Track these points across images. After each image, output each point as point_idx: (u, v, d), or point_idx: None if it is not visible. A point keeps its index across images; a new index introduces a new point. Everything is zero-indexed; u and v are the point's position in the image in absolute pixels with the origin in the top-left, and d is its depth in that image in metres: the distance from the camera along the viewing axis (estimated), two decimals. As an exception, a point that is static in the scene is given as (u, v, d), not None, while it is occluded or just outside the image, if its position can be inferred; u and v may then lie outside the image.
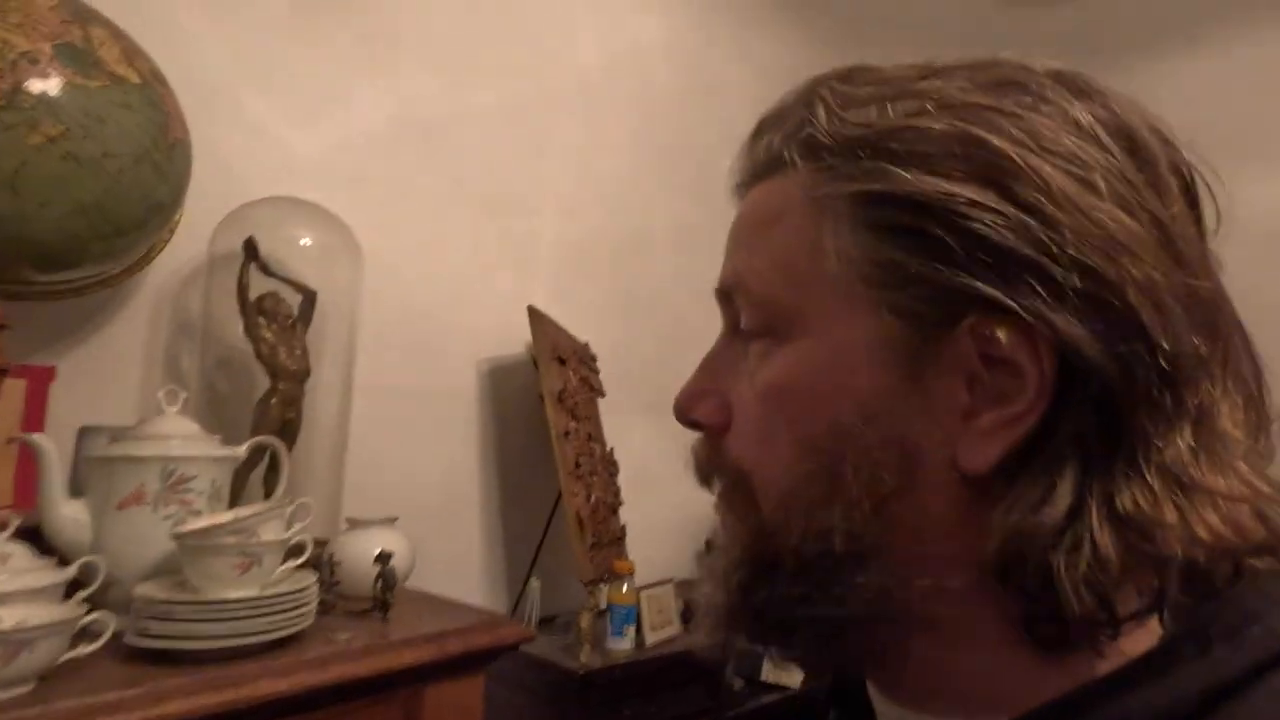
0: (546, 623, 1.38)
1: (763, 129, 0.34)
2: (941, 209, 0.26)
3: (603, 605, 1.30)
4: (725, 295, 0.35)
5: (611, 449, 1.58)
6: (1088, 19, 2.40)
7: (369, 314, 1.24)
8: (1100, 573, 0.25)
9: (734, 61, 2.23)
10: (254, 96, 1.22)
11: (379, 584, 0.80)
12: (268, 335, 0.98)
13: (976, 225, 0.26)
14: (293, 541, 0.73)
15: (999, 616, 0.28)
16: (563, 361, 1.41)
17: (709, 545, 1.92)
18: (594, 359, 1.62)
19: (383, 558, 0.81)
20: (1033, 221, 0.26)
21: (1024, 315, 0.26)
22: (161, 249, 0.99)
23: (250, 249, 0.99)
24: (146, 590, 0.65)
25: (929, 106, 0.28)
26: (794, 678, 1.61)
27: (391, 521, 0.96)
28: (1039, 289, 0.25)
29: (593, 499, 1.32)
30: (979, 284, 0.26)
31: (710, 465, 0.35)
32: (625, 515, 1.59)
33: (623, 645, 1.25)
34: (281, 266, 1.01)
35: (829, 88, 0.31)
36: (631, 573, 1.30)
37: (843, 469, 0.28)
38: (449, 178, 1.48)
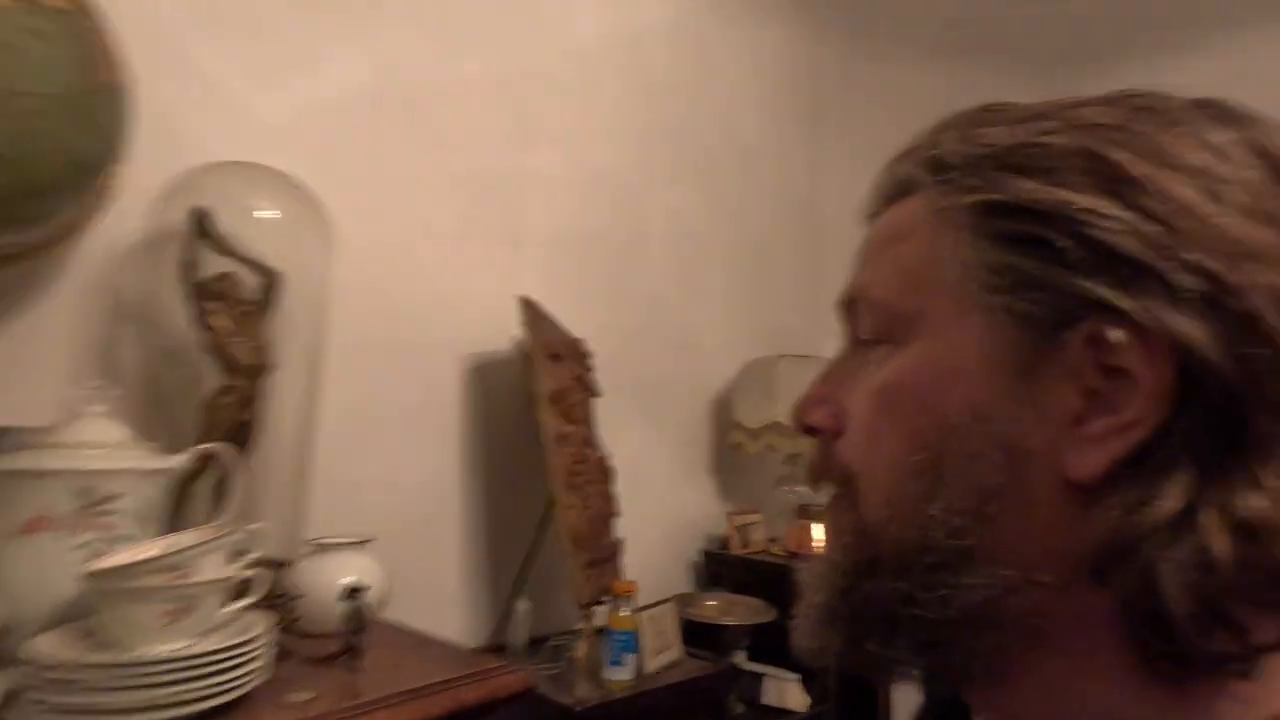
0: (535, 644, 1.25)
1: (895, 160, 0.36)
2: (1059, 215, 0.27)
3: (599, 629, 1.18)
4: (848, 306, 0.35)
5: (605, 454, 1.45)
6: (1093, 16, 2.33)
7: (340, 302, 1.10)
8: (1210, 579, 0.24)
9: (737, 51, 2.12)
10: (210, 48, 1.07)
11: (348, 624, 0.66)
12: (220, 323, 0.84)
13: (1093, 230, 0.27)
14: (241, 577, 0.59)
15: (1114, 640, 0.27)
16: (557, 358, 1.28)
17: (707, 555, 1.81)
18: (589, 356, 1.49)
19: (352, 592, 0.67)
20: (1150, 226, 0.26)
21: (1139, 318, 0.26)
22: (92, 217, 0.84)
23: (200, 221, 0.84)
24: (45, 646, 0.50)
25: (1054, 125, 0.29)
26: (798, 700, 1.51)
27: (363, 544, 0.82)
28: (1155, 290, 0.26)
29: (589, 511, 1.20)
30: (1095, 286, 0.27)
31: (820, 470, 0.35)
32: (619, 526, 1.46)
33: (622, 675, 1.12)
34: (238, 243, 0.86)
35: (964, 117, 0.33)
36: (632, 594, 1.17)
37: (948, 466, 0.29)
38: (431, 154, 1.34)
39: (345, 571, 0.75)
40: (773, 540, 1.80)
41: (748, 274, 2.12)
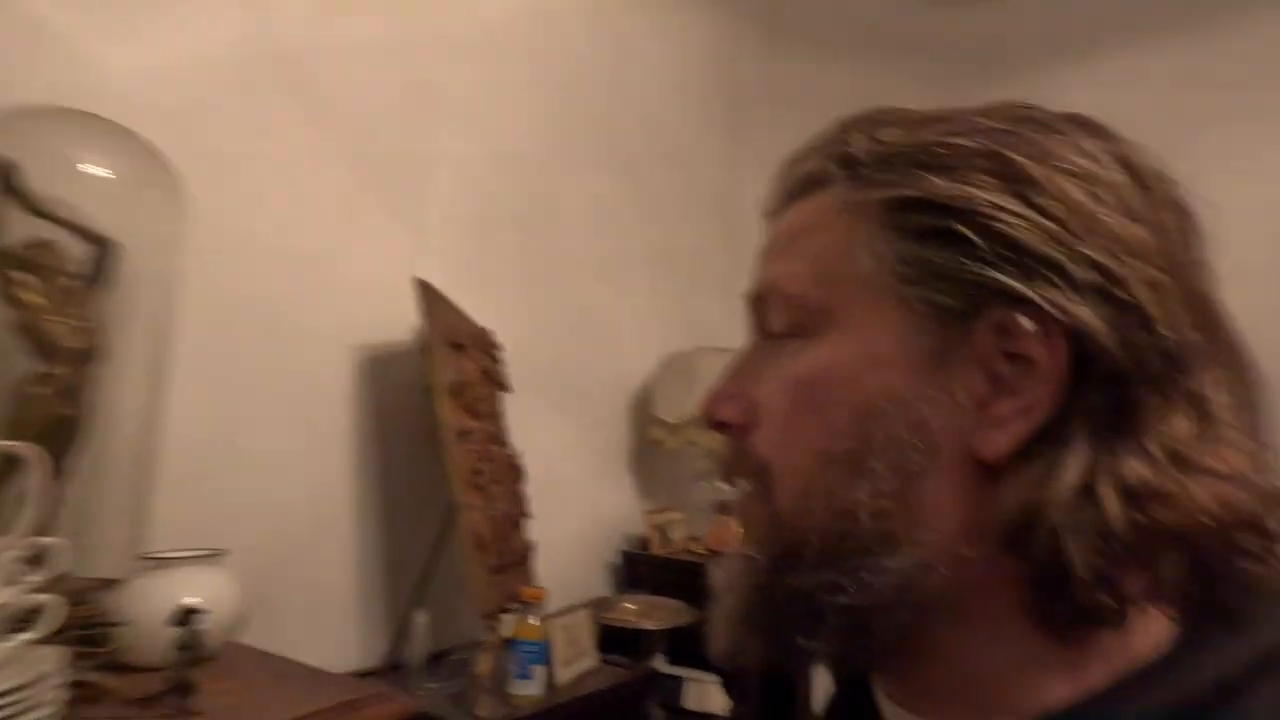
0: (436, 660, 1.14)
1: (796, 158, 0.36)
2: (967, 210, 0.29)
3: (505, 639, 1.08)
4: (758, 301, 0.36)
5: (515, 452, 1.36)
6: (1003, 26, 2.42)
7: (204, 284, 0.96)
8: (1106, 541, 0.27)
9: (657, 41, 2.06)
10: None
11: (178, 656, 0.54)
12: (32, 298, 0.70)
13: (999, 225, 0.29)
14: (23, 604, 0.47)
15: (1014, 604, 0.29)
16: (460, 348, 1.18)
17: (625, 556, 1.74)
18: (497, 348, 1.39)
19: (186, 615, 0.56)
20: (1049, 223, 0.29)
21: (1043, 305, 0.28)
22: None
23: (5, 174, 0.70)
24: None
25: (957, 128, 0.31)
26: (719, 702, 1.46)
27: (213, 557, 0.70)
28: (1056, 281, 0.28)
29: (494, 513, 1.10)
30: (1001, 277, 0.29)
31: (733, 464, 0.35)
32: (531, 528, 1.37)
33: (530, 690, 1.03)
34: (57, 204, 0.72)
35: (863, 118, 0.34)
36: (541, 601, 1.09)
37: (868, 451, 0.30)
38: (316, 123, 1.21)
39: (186, 591, 0.63)
40: (693, 539, 1.75)
41: (666, 266, 2.07)
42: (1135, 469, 0.27)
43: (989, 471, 0.29)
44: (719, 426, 0.35)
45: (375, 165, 1.30)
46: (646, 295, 1.98)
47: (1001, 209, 0.29)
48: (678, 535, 1.74)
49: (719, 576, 0.35)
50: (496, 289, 1.50)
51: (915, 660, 0.32)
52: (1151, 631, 0.29)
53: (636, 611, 1.48)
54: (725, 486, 0.38)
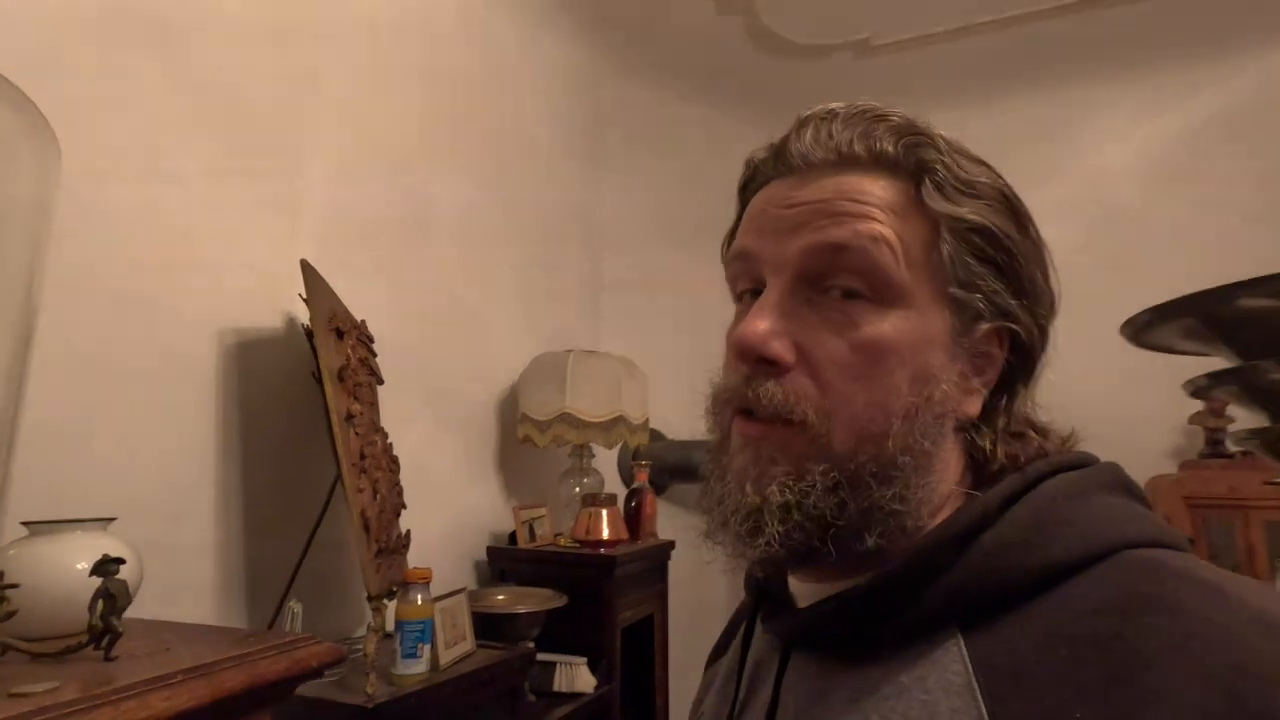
0: (305, 657, 1.11)
1: (846, 124, 0.42)
2: (1013, 252, 0.41)
3: (389, 625, 1.08)
4: (834, 249, 0.39)
5: (390, 443, 1.35)
6: (820, 79, 2.78)
7: (58, 253, 0.89)
8: (1012, 441, 0.43)
9: (527, 54, 2.15)
10: None
11: (98, 606, 0.53)
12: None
13: (1025, 268, 0.41)
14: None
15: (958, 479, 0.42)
16: (341, 335, 1.17)
17: (491, 551, 1.76)
18: (371, 339, 1.38)
19: (104, 566, 0.55)
20: (1040, 272, 0.42)
21: (1020, 324, 0.42)
22: None
23: None
24: None
25: (998, 181, 0.43)
26: (586, 682, 1.53)
27: (104, 523, 0.67)
28: (1031, 310, 0.42)
29: (379, 497, 1.10)
30: (1013, 304, 0.41)
31: (780, 402, 0.39)
32: (403, 521, 1.36)
33: (416, 668, 1.04)
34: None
35: (921, 131, 0.42)
36: (428, 581, 1.10)
37: (919, 407, 0.39)
38: (185, 94, 1.15)
39: (79, 557, 0.61)
40: (558, 535, 1.82)
41: (533, 272, 2.14)
42: (1018, 416, 0.43)
43: (967, 423, 0.42)
44: (761, 362, 0.40)
45: (248, 146, 1.25)
46: (513, 299, 2.03)
47: (1028, 260, 0.41)
48: (543, 530, 1.80)
49: (773, 493, 0.39)
50: (368, 282, 1.49)
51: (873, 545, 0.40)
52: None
53: (507, 601, 1.51)
54: (740, 418, 0.42)
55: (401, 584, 1.08)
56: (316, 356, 1.09)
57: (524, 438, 1.77)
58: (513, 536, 1.77)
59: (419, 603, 1.07)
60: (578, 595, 1.56)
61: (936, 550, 0.37)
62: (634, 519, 1.83)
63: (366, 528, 1.03)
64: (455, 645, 1.19)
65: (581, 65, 2.45)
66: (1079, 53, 2.39)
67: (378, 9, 1.56)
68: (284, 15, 1.33)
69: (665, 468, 2.37)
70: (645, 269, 2.66)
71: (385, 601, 1.09)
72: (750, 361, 0.40)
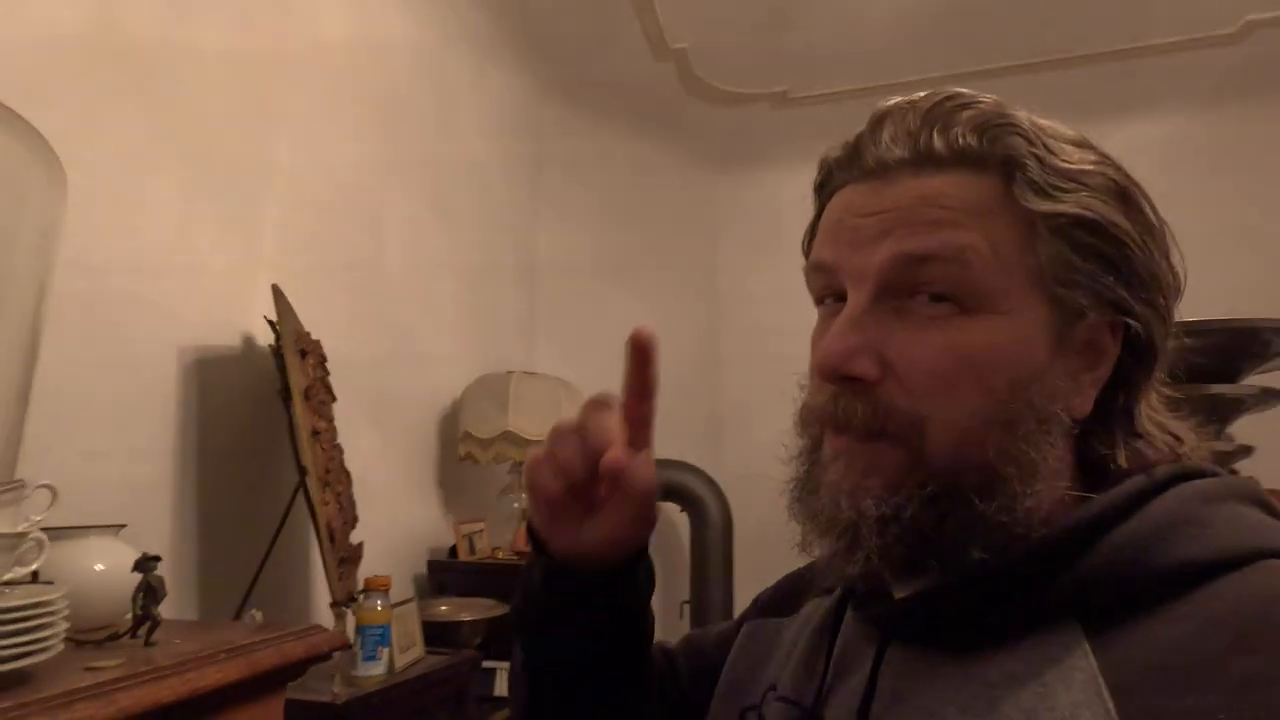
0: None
1: (926, 120, 0.39)
2: (1119, 240, 0.37)
3: (350, 629, 1.15)
4: (918, 261, 0.37)
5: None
6: (743, 123, 3.02)
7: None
8: (1135, 441, 0.40)
9: (474, 88, 2.26)
10: None
11: (139, 597, 0.61)
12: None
13: (1136, 256, 0.38)
14: (29, 538, 0.52)
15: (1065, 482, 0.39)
16: (304, 355, 1.23)
17: (432, 565, 1.82)
18: (325, 359, 1.44)
19: (144, 564, 0.62)
20: (1157, 258, 0.38)
21: (1136, 317, 0.38)
22: None
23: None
24: None
25: (1099, 162, 0.39)
26: (526, 689, 1.61)
27: (115, 529, 0.73)
28: (1147, 301, 0.38)
29: (342, 510, 1.17)
30: (1126, 296, 0.38)
31: (872, 415, 0.37)
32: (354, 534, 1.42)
33: (376, 670, 1.11)
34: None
35: (1006, 118, 0.38)
36: (388, 588, 1.18)
37: (1022, 413, 0.37)
38: (156, 119, 1.20)
39: (96, 559, 0.68)
40: (496, 548, 1.90)
41: (474, 296, 2.23)
42: (1142, 415, 0.40)
43: (1075, 425, 0.38)
44: (847, 380, 0.38)
45: (212, 170, 1.30)
46: (454, 322, 2.11)
47: (1140, 246, 0.37)
48: (482, 544, 1.87)
49: (868, 507, 0.37)
50: (321, 302, 1.54)
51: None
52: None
53: (450, 611, 1.58)
54: (836, 435, 0.39)
55: (364, 590, 1.15)
56: (284, 376, 1.15)
57: (465, 455, 1.85)
58: (453, 550, 1.84)
59: (379, 608, 1.14)
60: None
61: (1062, 542, 0.35)
62: (570, 532, 1.94)
63: (332, 538, 1.10)
64: (408, 650, 1.26)
65: (525, 99, 2.58)
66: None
67: (337, 44, 1.64)
68: (251, 48, 1.39)
69: (596, 484, 2.48)
70: (580, 298, 2.79)
71: (344, 608, 1.15)
72: (835, 381, 0.38)
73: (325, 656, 0.67)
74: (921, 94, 0.40)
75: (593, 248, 2.87)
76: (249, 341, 1.34)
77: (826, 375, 0.38)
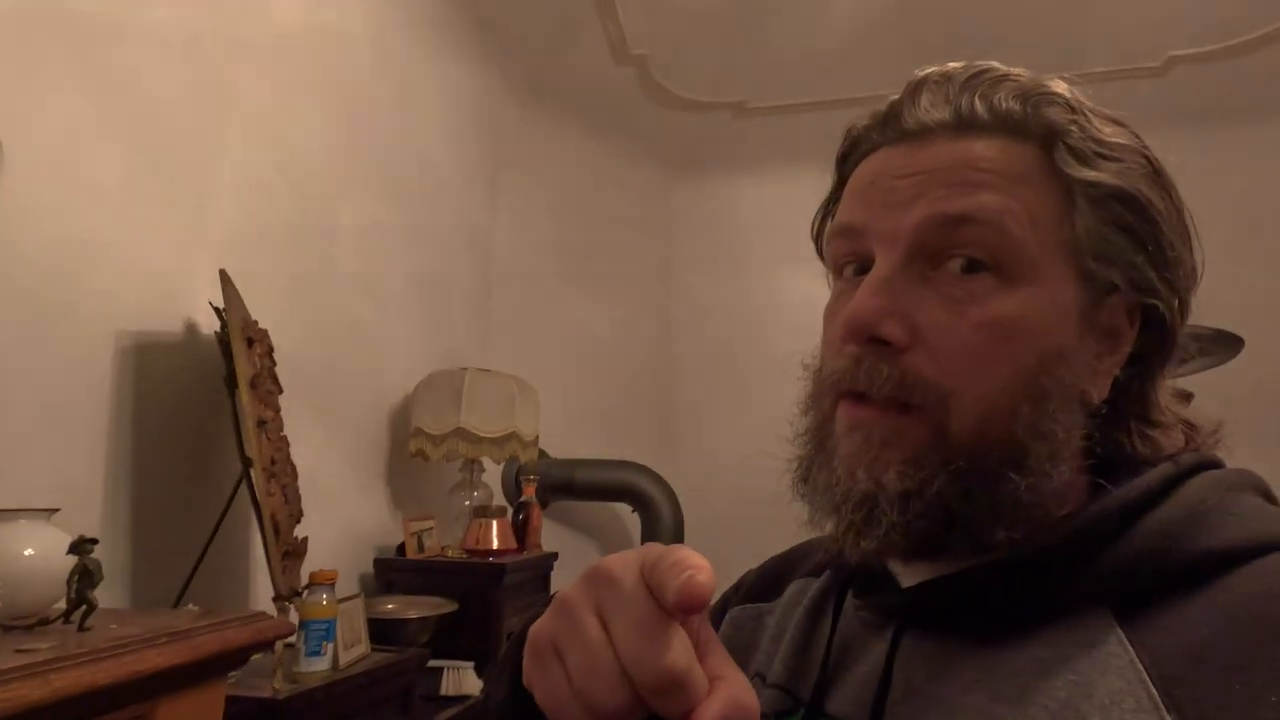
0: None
1: (966, 85, 0.38)
2: (1154, 219, 0.37)
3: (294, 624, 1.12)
4: (955, 222, 0.36)
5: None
6: (704, 131, 3.07)
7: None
8: (1151, 430, 0.39)
9: (433, 82, 2.24)
10: None
11: (75, 582, 0.58)
12: None
13: (1166, 236, 0.37)
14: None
15: (1077, 477, 0.38)
16: (251, 343, 1.20)
17: (379, 562, 1.78)
18: (273, 350, 1.41)
19: (80, 546, 0.60)
20: (1183, 243, 0.38)
21: (1160, 295, 0.37)
22: None
23: None
24: None
25: (1135, 141, 0.38)
26: (473, 685, 1.60)
27: (48, 513, 0.71)
28: (1172, 283, 0.37)
29: (287, 503, 1.14)
30: (1153, 276, 0.37)
31: (896, 384, 0.36)
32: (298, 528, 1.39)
33: (320, 665, 1.09)
34: None
35: (1046, 90, 0.38)
36: (333, 582, 1.15)
37: (1050, 388, 0.36)
38: (98, 95, 1.16)
39: (25, 545, 0.65)
40: (445, 546, 1.88)
41: (428, 291, 2.20)
42: (1158, 403, 0.38)
43: (1092, 407, 0.37)
44: (873, 342, 0.36)
45: (156, 153, 1.26)
46: (409, 316, 2.08)
47: (1171, 228, 0.37)
48: (431, 542, 1.85)
49: (890, 480, 0.35)
50: (269, 291, 1.51)
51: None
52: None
53: (397, 608, 1.56)
54: (850, 402, 0.37)
55: (309, 584, 1.13)
56: (231, 363, 1.12)
57: (416, 451, 1.82)
58: (400, 548, 1.81)
59: (324, 602, 1.12)
60: (466, 603, 1.63)
61: (1095, 527, 0.34)
62: (521, 530, 1.93)
63: (276, 531, 1.07)
64: (353, 647, 1.24)
65: (484, 96, 2.56)
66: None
67: (293, 27, 1.60)
68: (201, 27, 1.35)
69: (548, 484, 2.48)
70: (536, 297, 2.79)
71: (287, 603, 1.13)
72: (861, 341, 0.36)
73: (269, 644, 0.66)
74: (959, 64, 0.39)
75: (550, 248, 2.87)
76: (192, 328, 1.30)
77: (854, 333, 0.36)
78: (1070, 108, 0.37)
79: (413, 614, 1.49)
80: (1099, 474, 0.37)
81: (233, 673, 1.05)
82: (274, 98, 1.55)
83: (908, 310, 0.36)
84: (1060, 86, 0.38)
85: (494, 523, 1.78)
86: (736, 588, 0.54)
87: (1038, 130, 0.37)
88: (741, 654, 0.47)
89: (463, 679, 1.59)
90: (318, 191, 1.70)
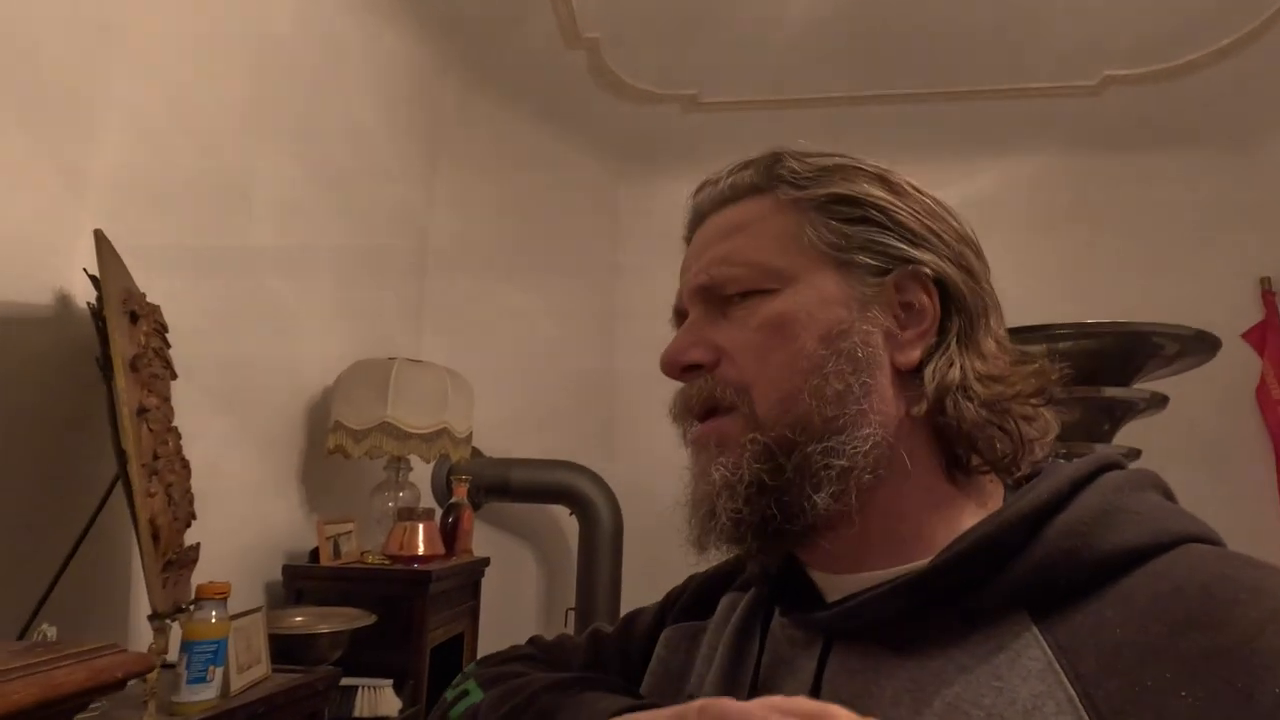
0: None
1: (722, 176, 0.49)
2: (877, 205, 0.44)
3: (169, 649, 0.96)
4: (703, 290, 0.46)
5: (181, 445, 1.21)
6: (652, 123, 2.98)
7: None
8: (982, 407, 0.41)
9: (363, 44, 2.07)
10: None
11: None
12: None
13: (896, 214, 0.44)
14: None
15: (927, 459, 0.42)
16: (135, 319, 1.03)
17: (288, 570, 1.61)
18: (165, 328, 1.23)
19: None
20: (923, 215, 0.45)
21: (924, 265, 0.43)
22: None
23: None
24: None
25: (854, 161, 0.47)
26: (390, 705, 1.46)
27: None
28: (931, 249, 0.44)
29: (172, 504, 0.98)
30: (901, 245, 0.43)
31: (709, 394, 0.44)
32: (189, 533, 1.21)
33: (205, 694, 0.94)
34: None
35: (781, 153, 0.47)
36: (225, 597, 1.00)
37: (833, 360, 0.41)
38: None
39: None
40: (366, 551, 1.72)
41: (356, 273, 2.03)
42: (982, 361, 0.42)
43: (908, 375, 0.42)
44: (688, 371, 0.45)
45: (26, 93, 1.07)
46: (331, 300, 1.91)
47: (896, 205, 0.44)
48: (350, 547, 1.69)
49: (716, 475, 0.41)
50: (164, 262, 1.33)
51: (862, 515, 0.40)
52: (990, 490, 0.43)
53: (306, 622, 1.40)
54: (686, 421, 0.46)
55: (194, 600, 0.97)
56: (105, 341, 0.95)
57: (335, 447, 1.66)
58: (314, 554, 1.65)
59: (213, 620, 0.97)
60: (386, 614, 1.49)
61: (1006, 532, 0.36)
62: (451, 534, 1.79)
63: (156, 537, 0.91)
64: (249, 669, 1.08)
65: (424, 71, 2.40)
66: (875, 136, 2.79)
67: (202, -32, 1.43)
68: (87, -46, 1.17)
69: (482, 485, 2.34)
70: (473, 287, 2.64)
71: (168, 621, 0.97)
72: (677, 372, 0.45)
73: (118, 685, 0.52)
74: (724, 168, 0.49)
75: (489, 236, 2.73)
76: (65, 299, 1.12)
77: (669, 369, 0.46)
78: (785, 157, 0.47)
79: (323, 628, 1.34)
80: (941, 440, 0.42)
81: (94, 705, 0.89)
82: (174, 47, 1.37)
83: (709, 337, 0.45)
84: (786, 150, 0.47)
85: (420, 526, 1.64)
86: (670, 604, 0.56)
87: (766, 183, 0.47)
88: (677, 676, 0.50)
89: (380, 698, 1.44)
90: (226, 156, 1.52)
